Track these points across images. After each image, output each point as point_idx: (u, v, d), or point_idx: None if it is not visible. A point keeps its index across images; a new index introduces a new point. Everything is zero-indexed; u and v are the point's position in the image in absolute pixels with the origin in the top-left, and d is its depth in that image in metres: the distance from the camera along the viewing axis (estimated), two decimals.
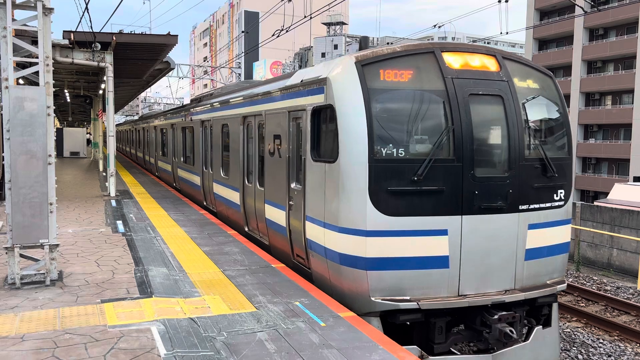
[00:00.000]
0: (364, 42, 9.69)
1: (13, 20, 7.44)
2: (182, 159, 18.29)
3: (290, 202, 8.41)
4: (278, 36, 19.32)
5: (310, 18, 17.06)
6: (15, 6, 7.48)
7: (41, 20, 7.51)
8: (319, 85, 7.36)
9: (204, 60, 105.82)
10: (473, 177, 6.79)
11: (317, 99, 7.39)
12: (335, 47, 69.47)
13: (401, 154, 6.68)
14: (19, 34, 7.90)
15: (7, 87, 7.16)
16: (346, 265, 6.82)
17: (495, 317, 6.75)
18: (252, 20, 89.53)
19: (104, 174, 24.41)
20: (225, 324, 5.98)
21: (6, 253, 7.38)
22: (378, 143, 6.59)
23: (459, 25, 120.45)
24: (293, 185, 8.36)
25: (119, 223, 12.35)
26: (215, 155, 13.54)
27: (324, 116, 7.38)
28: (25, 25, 7.68)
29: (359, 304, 6.75)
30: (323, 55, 68.92)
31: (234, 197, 11.83)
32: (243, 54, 52.80)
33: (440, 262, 6.74)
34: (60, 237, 10.00)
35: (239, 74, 42.75)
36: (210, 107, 14.18)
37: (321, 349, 5.32)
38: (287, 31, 18.12)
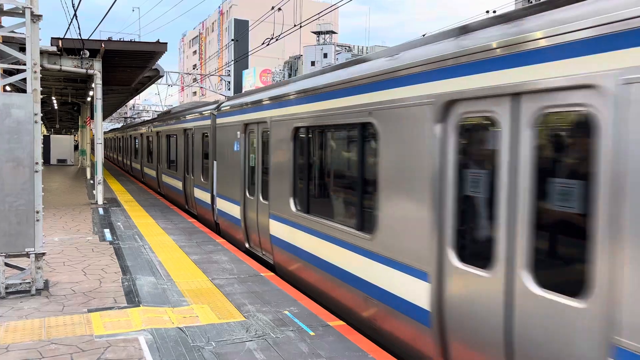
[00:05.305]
0: None
1: (0, 27, 7.40)
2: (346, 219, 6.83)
3: None
4: (268, 44, 19.37)
5: (300, 27, 17.13)
6: (3, 13, 7.44)
7: (29, 27, 7.47)
8: None
9: (194, 68, 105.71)
10: None
11: None
12: (325, 55, 69.91)
13: None
14: (6, 40, 7.84)
15: None
16: None
17: None
18: (241, 28, 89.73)
19: (92, 181, 24.23)
20: (214, 333, 5.93)
21: None
22: None
23: None
24: None
25: (107, 231, 12.25)
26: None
27: None
28: (13, 32, 7.64)
29: None
30: (313, 63, 69.32)
31: None
32: (233, 62, 52.81)
33: None
34: (46, 245, 9.89)
35: (229, 82, 42.69)
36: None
37: (310, 358, 5.30)
38: (276, 39, 18.18)
